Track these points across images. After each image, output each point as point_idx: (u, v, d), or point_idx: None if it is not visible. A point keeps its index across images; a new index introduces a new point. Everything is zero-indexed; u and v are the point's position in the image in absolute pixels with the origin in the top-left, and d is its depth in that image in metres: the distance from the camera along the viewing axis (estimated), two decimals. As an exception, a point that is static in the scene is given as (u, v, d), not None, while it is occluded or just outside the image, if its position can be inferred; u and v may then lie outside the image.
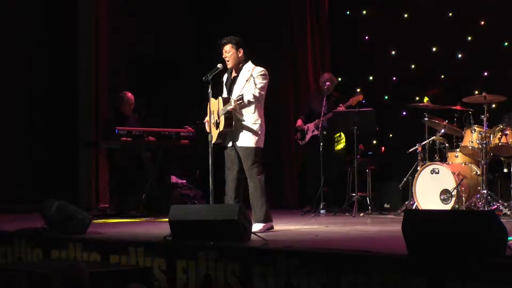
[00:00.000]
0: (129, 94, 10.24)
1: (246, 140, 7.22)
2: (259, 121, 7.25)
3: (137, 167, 10.02)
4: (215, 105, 7.31)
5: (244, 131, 7.22)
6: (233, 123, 7.20)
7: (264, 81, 7.23)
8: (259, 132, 7.24)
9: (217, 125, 7.29)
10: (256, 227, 6.89)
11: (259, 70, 7.23)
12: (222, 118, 7.21)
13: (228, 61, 7.33)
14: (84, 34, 11.48)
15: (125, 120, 10.12)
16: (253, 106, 7.21)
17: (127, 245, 6.12)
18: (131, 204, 9.90)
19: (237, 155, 7.31)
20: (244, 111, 7.20)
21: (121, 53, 11.69)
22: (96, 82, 11.39)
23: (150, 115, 10.93)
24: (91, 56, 11.42)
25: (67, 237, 6.64)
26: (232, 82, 7.40)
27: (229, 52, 7.30)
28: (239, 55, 7.31)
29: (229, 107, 7.12)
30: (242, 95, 7.10)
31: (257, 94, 7.15)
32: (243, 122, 7.21)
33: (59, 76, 11.53)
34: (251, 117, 7.22)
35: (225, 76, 7.55)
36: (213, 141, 7.20)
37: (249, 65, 7.31)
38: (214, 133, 7.27)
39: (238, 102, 7.03)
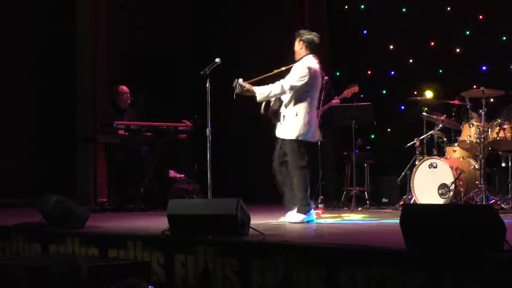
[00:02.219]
0: (123, 87, 10.21)
1: (287, 132, 7.43)
2: (299, 114, 7.38)
3: (135, 161, 10.00)
4: None
5: (285, 123, 7.43)
6: (268, 109, 7.54)
7: (298, 74, 7.40)
8: (299, 125, 7.38)
9: None
10: (296, 217, 7.30)
11: (299, 63, 7.47)
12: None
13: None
14: (82, 27, 11.46)
15: (122, 114, 10.10)
16: (293, 99, 7.40)
17: (126, 240, 6.13)
18: (129, 198, 9.89)
19: (281, 147, 7.55)
20: (285, 103, 7.46)
21: (119, 47, 11.67)
22: (94, 76, 11.38)
23: (149, 109, 10.92)
24: (89, 50, 11.40)
25: (65, 231, 6.65)
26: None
27: (295, 45, 7.64)
28: (300, 49, 7.58)
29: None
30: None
31: (282, 83, 7.36)
32: (284, 115, 7.44)
33: (57, 70, 11.51)
34: (290, 110, 7.43)
35: None
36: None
37: (304, 58, 7.55)
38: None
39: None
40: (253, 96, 7.51)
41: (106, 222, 7.64)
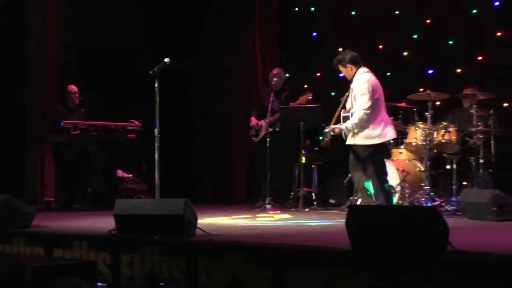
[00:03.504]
0: (72, 86, 10.14)
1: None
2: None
3: (83, 160, 9.94)
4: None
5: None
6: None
7: (362, 90, 7.61)
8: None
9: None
10: None
11: (355, 82, 7.72)
12: None
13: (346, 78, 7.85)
14: (33, 26, 11.33)
15: (71, 114, 10.03)
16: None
17: (71, 239, 6.08)
18: (77, 198, 9.81)
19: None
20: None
21: (70, 47, 11.56)
22: (43, 75, 11.25)
23: (98, 109, 10.83)
24: (39, 49, 11.27)
25: (10, 231, 6.56)
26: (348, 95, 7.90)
27: (343, 71, 7.85)
28: (351, 71, 7.76)
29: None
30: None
31: (360, 113, 7.60)
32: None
33: (7, 69, 11.34)
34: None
35: None
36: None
37: (355, 76, 7.76)
38: None
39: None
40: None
41: (52, 222, 7.57)
